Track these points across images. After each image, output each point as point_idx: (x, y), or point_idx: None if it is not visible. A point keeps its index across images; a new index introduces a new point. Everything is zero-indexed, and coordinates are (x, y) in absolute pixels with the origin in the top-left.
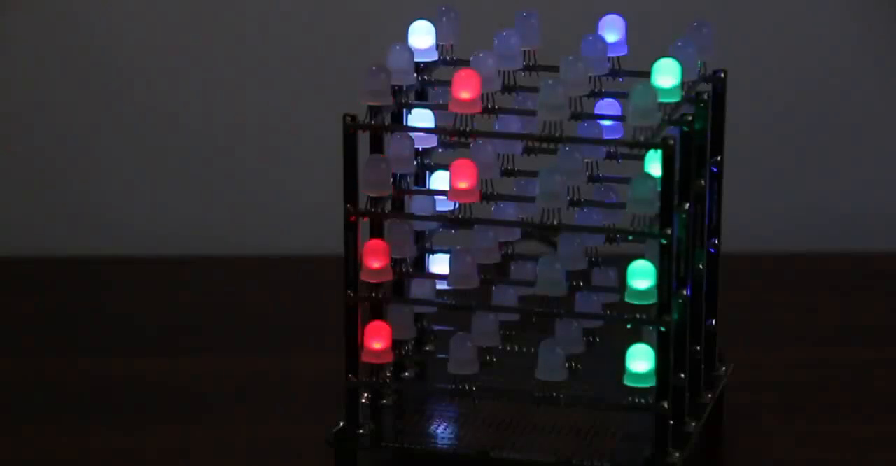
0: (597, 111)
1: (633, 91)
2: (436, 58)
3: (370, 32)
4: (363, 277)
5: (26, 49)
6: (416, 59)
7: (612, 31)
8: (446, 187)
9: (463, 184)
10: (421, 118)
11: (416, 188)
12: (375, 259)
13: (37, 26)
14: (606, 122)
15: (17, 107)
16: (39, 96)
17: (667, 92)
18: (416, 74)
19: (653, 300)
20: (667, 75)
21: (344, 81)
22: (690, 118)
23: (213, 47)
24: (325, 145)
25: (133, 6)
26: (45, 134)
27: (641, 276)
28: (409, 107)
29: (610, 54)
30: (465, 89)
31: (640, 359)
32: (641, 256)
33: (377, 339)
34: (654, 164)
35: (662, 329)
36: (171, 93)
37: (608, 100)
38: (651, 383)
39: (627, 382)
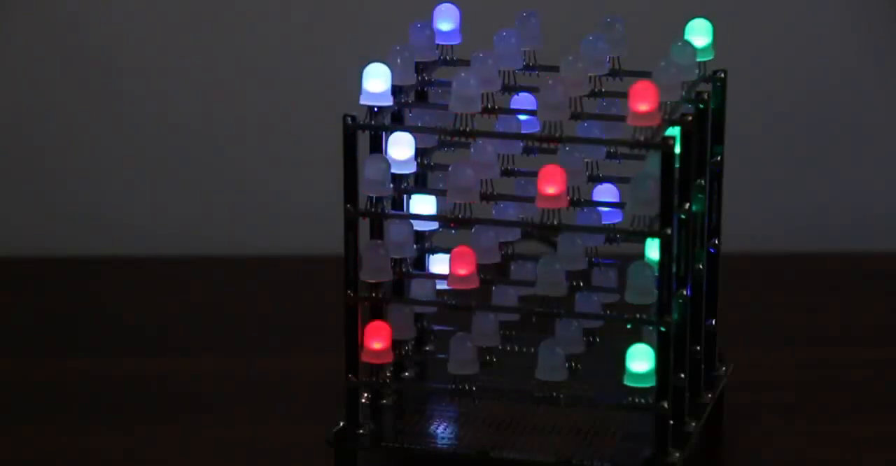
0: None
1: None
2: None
3: (370, 32)
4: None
5: (26, 49)
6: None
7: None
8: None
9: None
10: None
11: (416, 189)
12: (377, 340)
13: (36, 26)
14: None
15: (17, 108)
16: (39, 96)
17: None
18: (416, 74)
19: (651, 383)
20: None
21: (344, 81)
22: (690, 118)
23: (212, 48)
24: (325, 145)
25: (132, 6)
26: (45, 134)
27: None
28: (409, 107)
29: (611, 54)
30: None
31: (640, 359)
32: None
33: (377, 339)
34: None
35: (662, 329)
36: (171, 93)
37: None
38: (651, 383)
39: (627, 382)
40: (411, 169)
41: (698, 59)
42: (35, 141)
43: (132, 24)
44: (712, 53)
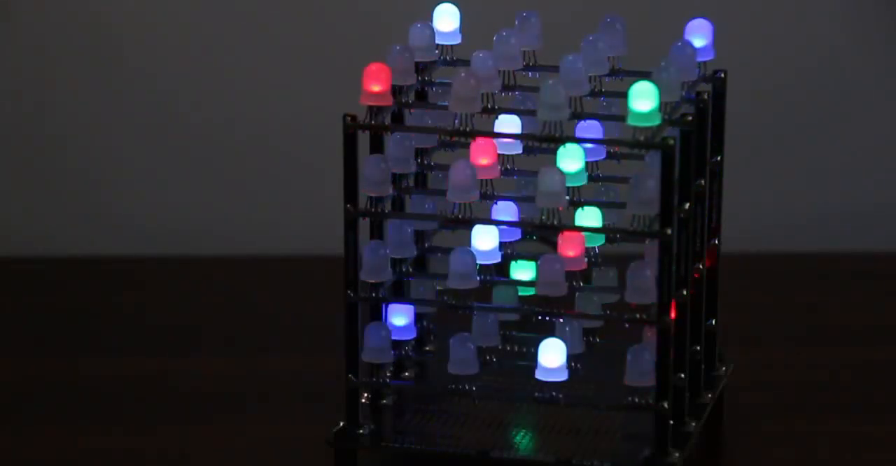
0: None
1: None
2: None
3: (370, 32)
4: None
5: (27, 47)
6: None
7: (614, 31)
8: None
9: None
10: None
11: (416, 188)
12: (376, 82)
13: (38, 25)
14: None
15: (22, 107)
16: (44, 95)
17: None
18: (416, 74)
19: (657, 122)
20: (644, 99)
21: (344, 81)
22: (690, 118)
23: (213, 48)
24: (325, 145)
25: (133, 7)
26: (46, 134)
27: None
28: (410, 107)
29: (611, 54)
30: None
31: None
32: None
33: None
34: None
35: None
36: (171, 93)
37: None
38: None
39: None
40: (496, 259)
41: (698, 59)
42: (37, 141)
43: (132, 24)
44: (713, 53)
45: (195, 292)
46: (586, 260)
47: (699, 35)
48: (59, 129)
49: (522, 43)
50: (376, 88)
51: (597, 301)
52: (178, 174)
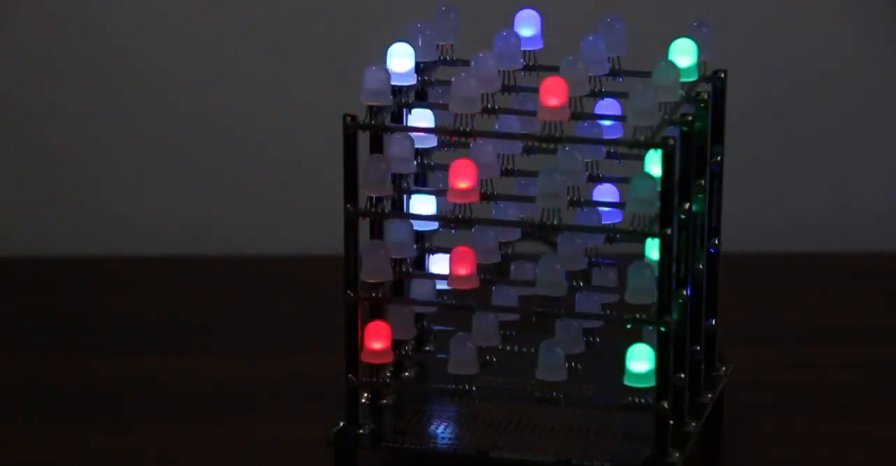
0: (597, 111)
1: (632, 92)
2: (414, 81)
3: (370, 32)
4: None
5: (28, 47)
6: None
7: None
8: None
9: (463, 184)
10: (421, 117)
11: (416, 188)
12: (377, 340)
13: (39, 25)
14: (606, 122)
15: (22, 107)
16: (44, 96)
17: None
18: (416, 74)
19: (651, 383)
20: (684, 55)
21: (344, 81)
22: (690, 118)
23: (214, 48)
24: (325, 145)
25: (133, 7)
26: (48, 134)
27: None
28: (409, 107)
29: (609, 54)
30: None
31: (641, 359)
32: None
33: (377, 339)
34: (653, 164)
35: (662, 329)
36: (171, 93)
37: (608, 100)
38: (651, 383)
39: (627, 382)
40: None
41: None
42: (36, 141)
43: (133, 24)
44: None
45: (195, 292)
46: (585, 261)
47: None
48: (59, 129)
49: (523, 43)
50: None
51: (597, 301)
52: (178, 174)
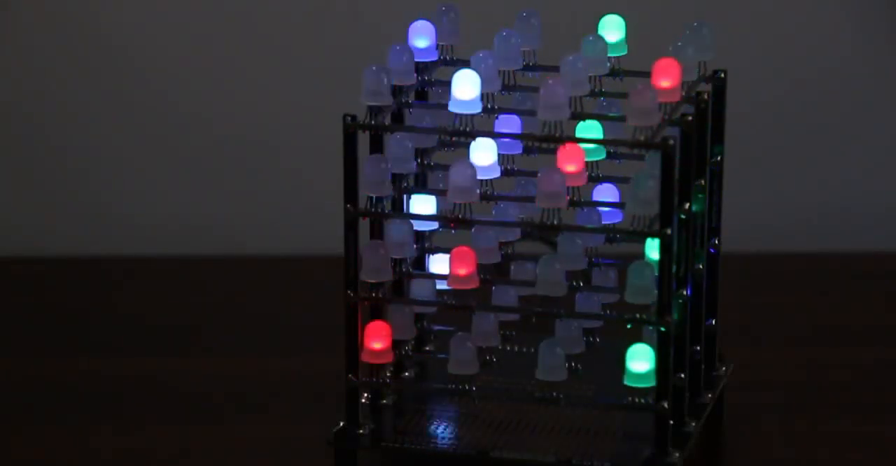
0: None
1: (632, 92)
2: (435, 57)
3: (370, 32)
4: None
5: (29, 46)
6: (416, 59)
7: (612, 30)
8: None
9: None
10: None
11: (416, 189)
12: (377, 340)
13: (40, 23)
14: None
15: (21, 107)
16: (44, 95)
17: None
18: (416, 74)
19: (651, 383)
20: (612, 30)
21: (344, 81)
22: (690, 118)
23: (214, 48)
24: (325, 145)
25: (133, 6)
26: (48, 134)
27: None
28: (410, 107)
29: (610, 54)
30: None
31: (641, 359)
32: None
33: (377, 339)
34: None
35: (662, 329)
36: (171, 93)
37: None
38: (651, 383)
39: (627, 382)
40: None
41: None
42: (36, 141)
43: (133, 23)
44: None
45: (195, 292)
46: (585, 261)
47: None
48: (58, 129)
49: (522, 43)
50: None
51: (597, 301)
52: (178, 174)
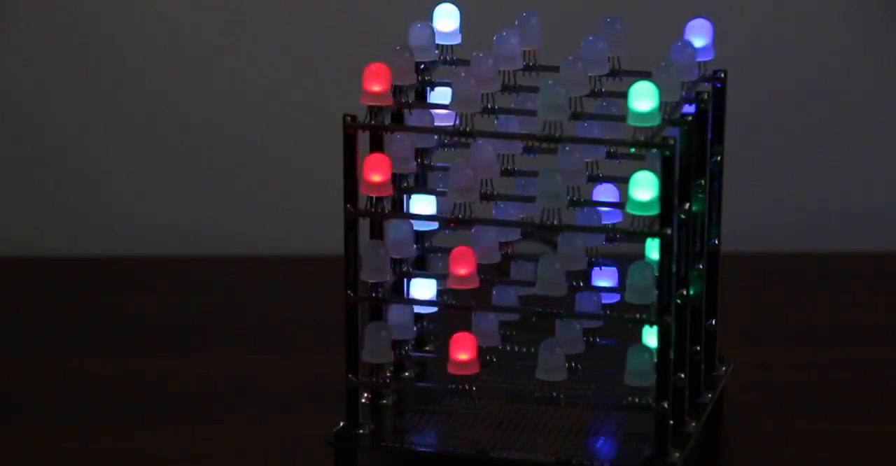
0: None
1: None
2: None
3: (370, 32)
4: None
5: (30, 45)
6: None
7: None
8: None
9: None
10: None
11: (416, 189)
12: (376, 172)
13: (41, 23)
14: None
15: (21, 107)
16: (44, 95)
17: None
18: (416, 74)
19: (655, 211)
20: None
21: (344, 81)
22: (690, 118)
23: (213, 48)
24: (326, 145)
25: (133, 6)
26: (48, 134)
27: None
28: (410, 108)
29: (611, 54)
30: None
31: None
32: (641, 256)
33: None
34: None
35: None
36: (170, 93)
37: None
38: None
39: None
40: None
41: (698, 59)
42: (35, 141)
43: (132, 24)
44: (713, 53)
45: (195, 292)
46: (585, 260)
47: (699, 35)
48: (58, 129)
49: (522, 43)
50: (376, 88)
51: (597, 301)
52: (178, 174)
